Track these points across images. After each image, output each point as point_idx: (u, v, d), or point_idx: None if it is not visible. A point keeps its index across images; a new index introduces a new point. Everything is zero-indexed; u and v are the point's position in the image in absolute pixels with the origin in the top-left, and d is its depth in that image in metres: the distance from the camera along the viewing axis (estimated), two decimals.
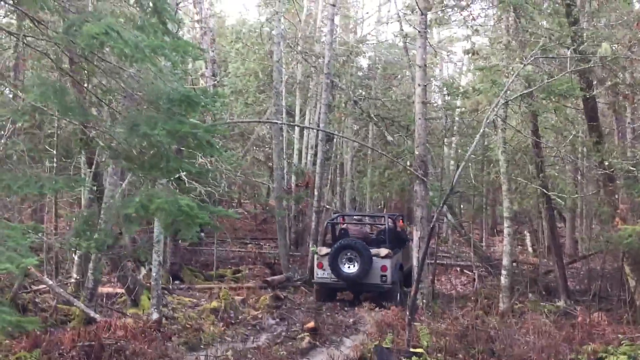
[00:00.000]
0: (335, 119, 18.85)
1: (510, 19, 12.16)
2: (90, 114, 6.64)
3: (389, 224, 13.55)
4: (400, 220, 14.40)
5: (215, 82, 17.65)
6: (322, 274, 12.76)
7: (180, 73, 11.03)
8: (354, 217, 15.78)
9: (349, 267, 12.37)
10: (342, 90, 17.18)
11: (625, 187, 11.89)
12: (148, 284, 10.67)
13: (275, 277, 14.25)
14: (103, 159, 10.28)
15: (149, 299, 10.10)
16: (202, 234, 17.99)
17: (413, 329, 9.06)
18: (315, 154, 16.79)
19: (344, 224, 14.30)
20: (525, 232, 22.08)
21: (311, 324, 10.05)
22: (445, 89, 14.48)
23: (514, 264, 14.58)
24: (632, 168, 10.26)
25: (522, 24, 11.79)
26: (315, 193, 15.15)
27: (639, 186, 8.60)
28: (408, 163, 13.16)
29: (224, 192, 14.23)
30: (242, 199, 29.27)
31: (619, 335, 9.69)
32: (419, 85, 12.24)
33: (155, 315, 9.45)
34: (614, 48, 11.69)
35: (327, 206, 20.12)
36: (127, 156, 6.23)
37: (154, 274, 9.81)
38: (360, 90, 20.61)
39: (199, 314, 10.55)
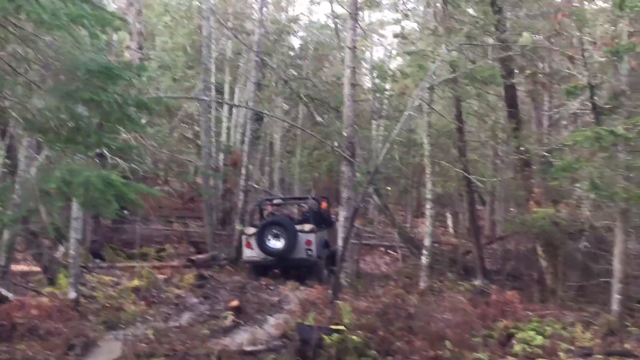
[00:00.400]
0: (265, 98, 18.71)
1: (438, 4, 12.41)
2: (3, 83, 6.29)
3: (313, 205, 13.87)
4: (324, 202, 14.70)
5: (141, 55, 17.11)
6: (251, 253, 13.14)
7: (101, 44, 10.65)
8: (280, 199, 16.15)
9: (275, 242, 12.71)
10: (273, 69, 17.03)
11: (540, 172, 12.49)
12: (66, 262, 10.32)
13: (201, 256, 14.10)
14: (18, 131, 9.77)
15: (67, 278, 9.77)
16: (126, 212, 17.53)
17: (336, 307, 9.25)
18: (244, 133, 16.64)
19: (270, 206, 14.48)
20: (448, 214, 22.80)
21: (235, 303, 10.03)
22: (374, 71, 14.62)
23: (435, 244, 15.06)
24: (546, 154, 10.76)
25: (449, 10, 12.06)
26: (243, 172, 15.05)
27: (553, 171, 9.04)
28: (336, 144, 13.25)
29: (148, 169, 13.88)
30: (169, 176, 28.68)
31: (529, 313, 10.24)
32: (348, 67, 12.34)
33: (72, 294, 9.17)
34: (534, 38, 12.19)
35: (256, 185, 20.01)
36: (43, 128, 5.96)
37: (72, 252, 9.49)
38: (292, 70, 20.55)
39: (120, 293, 10.31)
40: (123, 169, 12.69)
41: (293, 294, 11.71)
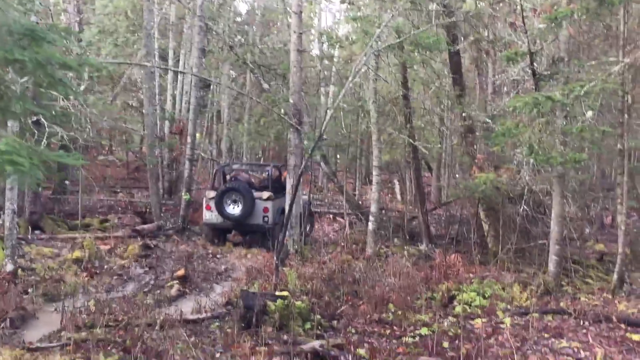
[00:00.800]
0: (210, 64, 18.30)
1: None
2: None
3: (273, 172, 14.11)
4: (285, 171, 14.74)
5: (79, 19, 16.42)
6: (210, 216, 13.52)
7: (33, 6, 10.14)
8: (242, 165, 16.46)
9: (233, 208, 13.18)
10: (218, 34, 16.63)
11: (483, 138, 12.74)
12: (2, 234, 9.95)
13: (146, 226, 13.84)
14: None
15: (3, 250, 9.43)
16: (67, 182, 17.01)
17: (282, 273, 9.28)
18: (189, 101, 16.27)
19: (233, 171, 14.84)
20: (395, 181, 23.08)
21: (181, 272, 9.94)
22: (322, 38, 14.46)
23: (382, 211, 15.26)
24: (488, 120, 10.96)
25: None
26: (189, 140, 14.75)
27: (493, 137, 9.21)
28: (283, 111, 13.13)
29: (89, 137, 13.44)
30: (113, 145, 27.95)
31: (471, 275, 10.55)
32: (294, 32, 12.16)
33: (9, 267, 8.87)
34: (478, 5, 12.29)
35: (203, 154, 19.72)
36: None
37: (7, 224, 9.15)
38: (238, 37, 20.13)
39: (60, 265, 10.04)
40: (62, 137, 12.24)
41: (240, 261, 11.70)
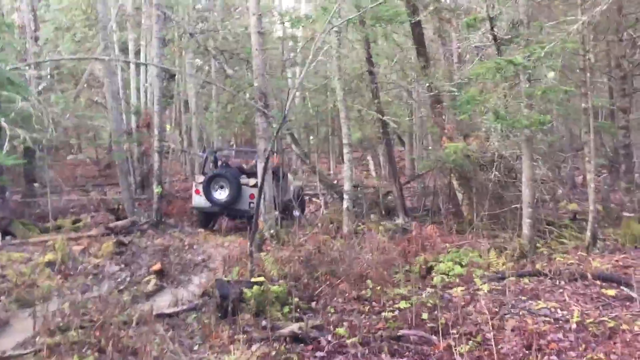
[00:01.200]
0: (171, 53, 17.97)
1: None
2: None
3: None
4: (276, 156, 15.48)
5: (33, 16, 15.96)
6: (199, 200, 13.99)
7: None
8: (233, 151, 17.21)
9: (220, 193, 13.68)
10: (177, 23, 16.30)
11: (451, 107, 12.72)
12: None
13: (119, 223, 13.61)
14: None
15: None
16: (36, 185, 16.66)
17: (258, 259, 9.21)
18: (153, 92, 15.97)
19: (224, 157, 15.42)
20: (369, 157, 23.07)
21: (157, 266, 9.82)
22: (283, 18, 14.27)
23: (357, 188, 15.23)
24: (453, 89, 10.93)
25: None
26: (156, 132, 14.50)
27: (458, 105, 9.19)
28: (248, 96, 12.97)
29: (52, 137, 13.11)
30: (82, 144, 27.44)
31: (447, 245, 10.60)
32: (253, 14, 11.97)
33: None
34: None
35: (173, 145, 19.45)
36: None
37: None
38: (200, 24, 19.77)
39: (33, 269, 9.82)
40: (24, 139, 11.93)
41: (217, 251, 11.60)
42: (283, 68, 13.48)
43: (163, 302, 7.91)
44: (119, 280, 9.78)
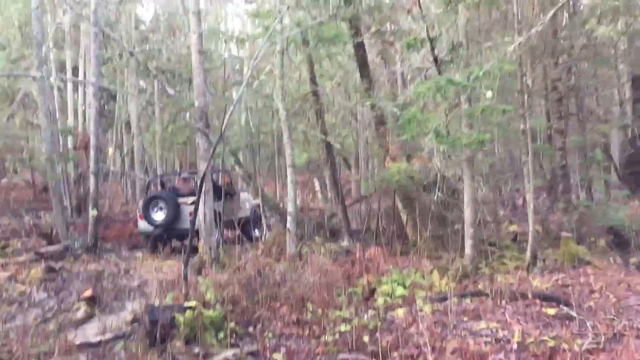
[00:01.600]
0: (110, 72, 17.47)
1: None
2: None
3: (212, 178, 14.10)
4: (226, 176, 15.87)
5: None
6: (143, 225, 14.10)
7: None
8: (173, 174, 17.38)
9: (158, 214, 13.75)
10: (116, 41, 15.87)
11: (395, 128, 12.73)
12: None
13: (51, 247, 12.97)
14: None
15: None
16: None
17: (196, 283, 8.84)
18: (90, 112, 15.42)
19: (164, 181, 15.63)
20: (316, 179, 22.94)
21: (88, 293, 9.28)
22: (223, 37, 14.06)
23: (302, 210, 15.03)
24: (396, 110, 10.93)
25: None
26: (92, 154, 13.96)
27: (399, 124, 9.16)
28: (188, 115, 12.66)
29: None
30: (17, 166, 26.28)
31: (391, 266, 10.47)
32: (194, 33, 11.75)
33: None
34: None
35: (113, 167, 18.81)
36: None
37: None
38: (141, 44, 19.38)
39: None
40: None
41: (154, 275, 11.12)
42: (225, 88, 13.19)
43: (92, 331, 7.45)
44: (47, 308, 9.21)
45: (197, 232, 12.75)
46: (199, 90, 11.66)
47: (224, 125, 7.74)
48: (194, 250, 12.56)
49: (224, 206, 13.97)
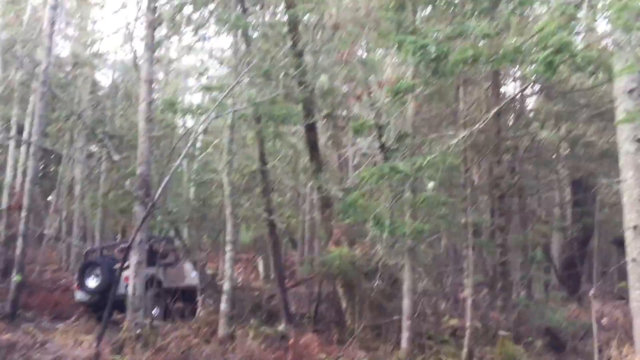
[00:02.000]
0: (54, 133, 17.05)
1: (239, 43, 12.21)
2: None
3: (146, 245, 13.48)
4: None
5: None
6: (80, 295, 13.78)
7: None
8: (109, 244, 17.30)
9: (92, 281, 13.51)
10: (64, 102, 15.57)
11: (340, 212, 12.61)
12: None
13: None
14: None
15: None
16: None
17: None
18: (27, 172, 14.84)
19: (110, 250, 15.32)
20: (259, 258, 22.49)
21: None
22: (170, 107, 13.94)
23: (239, 289, 14.54)
24: (339, 194, 10.88)
25: (250, 48, 11.93)
26: (23, 215, 13.30)
27: (341, 208, 9.06)
28: (128, 183, 12.29)
29: None
30: None
31: (325, 355, 10.05)
32: (144, 100, 11.59)
33: None
34: (333, 84, 12.49)
35: (46, 231, 17.96)
36: None
37: None
38: (98, 109, 19.16)
39: None
40: None
41: (71, 351, 10.32)
42: (170, 157, 12.96)
43: None
44: None
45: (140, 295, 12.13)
46: (142, 157, 11.35)
47: (157, 194, 7.44)
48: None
49: (165, 275, 13.58)
